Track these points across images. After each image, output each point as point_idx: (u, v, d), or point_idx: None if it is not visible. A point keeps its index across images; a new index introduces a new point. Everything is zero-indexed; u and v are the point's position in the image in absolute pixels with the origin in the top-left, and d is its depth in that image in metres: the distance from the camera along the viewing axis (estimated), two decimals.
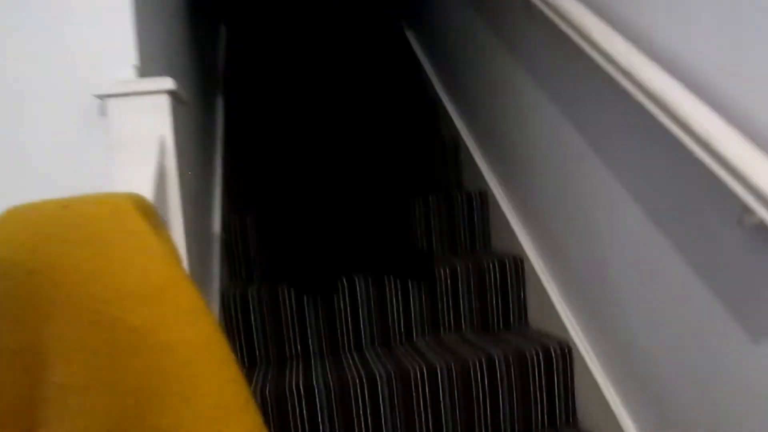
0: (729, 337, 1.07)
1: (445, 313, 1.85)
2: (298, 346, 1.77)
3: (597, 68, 1.30)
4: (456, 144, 2.40)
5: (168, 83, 1.03)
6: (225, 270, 1.94)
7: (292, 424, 1.51)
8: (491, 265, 1.87)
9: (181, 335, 0.64)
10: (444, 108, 2.54)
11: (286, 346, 1.77)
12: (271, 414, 1.50)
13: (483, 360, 1.59)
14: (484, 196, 2.15)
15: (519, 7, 1.74)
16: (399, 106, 2.47)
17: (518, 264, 1.89)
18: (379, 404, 1.54)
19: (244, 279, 2.00)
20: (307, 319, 1.78)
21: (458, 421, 1.58)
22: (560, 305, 1.71)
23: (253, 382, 1.60)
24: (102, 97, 1.03)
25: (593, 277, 1.53)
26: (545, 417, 1.63)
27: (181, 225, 1.03)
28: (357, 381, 1.54)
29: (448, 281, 1.84)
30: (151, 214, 0.72)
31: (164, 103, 1.03)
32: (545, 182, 1.73)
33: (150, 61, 1.16)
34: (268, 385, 1.55)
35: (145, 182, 0.93)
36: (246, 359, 1.76)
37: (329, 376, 1.56)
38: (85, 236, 0.63)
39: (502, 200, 2.06)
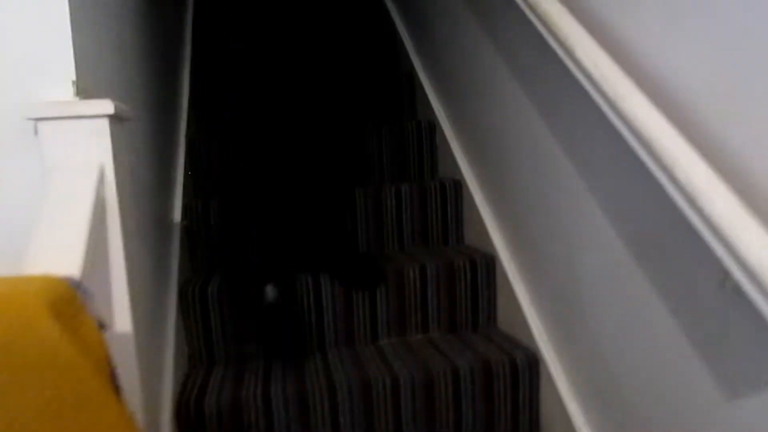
0: (699, 387, 1.04)
1: (413, 313, 1.80)
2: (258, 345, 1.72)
3: (581, 87, 1.22)
4: (432, 127, 2.30)
5: (107, 107, 0.92)
6: (185, 258, 1.86)
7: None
8: (462, 264, 1.82)
9: None
10: (422, 88, 2.43)
11: (246, 346, 1.71)
12: (225, 423, 1.46)
13: (448, 371, 1.55)
14: (459, 187, 2.07)
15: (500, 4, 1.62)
16: (370, 78, 2.33)
17: (490, 263, 1.84)
18: (339, 415, 1.51)
19: (206, 268, 1.93)
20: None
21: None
22: (529, 312, 1.67)
23: (209, 386, 1.54)
24: (33, 120, 0.92)
25: (565, 289, 1.48)
26: (509, 427, 1.62)
27: (122, 263, 0.94)
28: (318, 392, 1.49)
29: (417, 282, 1.79)
30: (68, 304, 0.63)
31: (103, 127, 0.93)
32: (521, 181, 1.66)
33: (93, 71, 1.04)
34: (223, 392, 1.50)
35: (79, 221, 0.84)
36: (205, 357, 1.71)
37: (287, 385, 1.52)
38: None
39: (476, 193, 1.99)
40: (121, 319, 0.95)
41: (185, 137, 2.06)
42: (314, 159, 1.82)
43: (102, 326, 0.73)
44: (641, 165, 1.03)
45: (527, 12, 1.35)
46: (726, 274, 0.90)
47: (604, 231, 1.27)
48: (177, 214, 1.84)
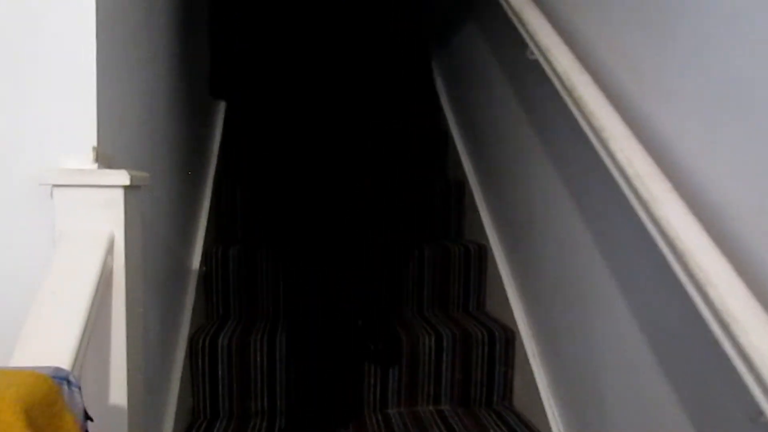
0: None
1: (425, 384, 1.74)
2: (265, 403, 1.68)
3: (614, 180, 1.16)
4: (460, 186, 2.27)
5: (123, 178, 0.91)
6: (200, 305, 1.84)
7: None
8: (480, 335, 1.76)
9: None
10: (454, 146, 2.41)
11: (252, 402, 1.67)
12: None
13: None
14: (483, 252, 2.03)
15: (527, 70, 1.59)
16: (410, 147, 2.27)
17: (509, 337, 1.78)
18: None
19: (221, 315, 1.90)
20: (278, 374, 1.68)
21: None
22: (546, 395, 1.60)
23: None
24: (50, 185, 0.92)
25: (583, 380, 1.41)
26: None
27: (123, 337, 0.92)
28: None
29: (432, 354, 1.73)
30: (48, 404, 0.61)
31: (118, 197, 0.92)
32: (545, 258, 1.61)
33: (115, 136, 1.04)
34: None
35: (79, 298, 0.82)
36: (209, 411, 1.67)
37: None
38: None
39: (501, 261, 1.94)
40: (116, 392, 0.92)
41: (212, 181, 2.06)
42: (351, 224, 1.76)
43: (87, 419, 0.70)
44: (672, 273, 0.97)
45: (563, 94, 1.31)
46: (759, 413, 0.83)
47: (628, 329, 1.21)
48: (196, 261, 1.82)
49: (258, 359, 1.66)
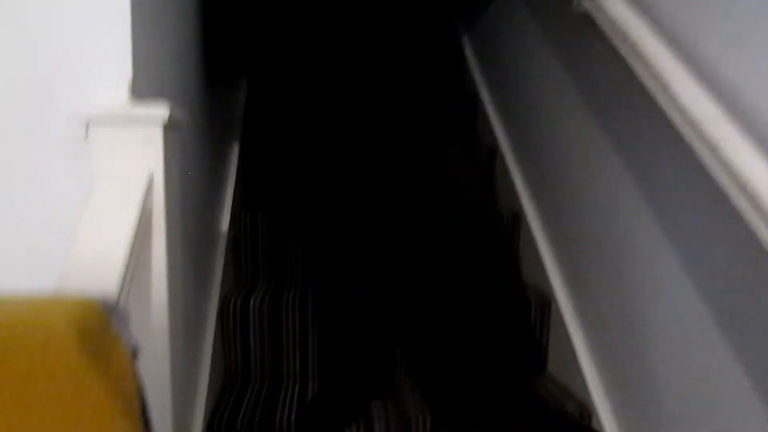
0: None
1: None
2: (297, 365, 1.64)
3: (673, 125, 1.10)
4: (492, 152, 2.21)
5: (162, 111, 0.87)
6: (231, 270, 1.81)
7: None
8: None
9: None
10: (484, 112, 2.35)
11: (284, 365, 1.64)
12: None
13: None
14: (517, 219, 1.97)
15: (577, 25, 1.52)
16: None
17: (546, 304, 1.73)
18: None
19: (250, 280, 1.87)
20: (309, 337, 1.64)
21: None
22: (585, 361, 1.55)
23: (243, 406, 1.48)
24: (85, 123, 0.87)
25: (627, 339, 1.36)
26: None
27: (164, 279, 0.88)
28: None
29: None
30: (99, 332, 0.57)
31: (156, 134, 0.87)
32: (586, 221, 1.55)
33: (151, 70, 0.99)
34: (256, 416, 1.43)
35: (122, 234, 0.78)
36: (240, 375, 1.64)
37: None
38: (3, 376, 0.49)
39: (537, 228, 1.88)
40: (158, 338, 0.89)
41: (239, 145, 2.02)
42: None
43: (135, 354, 0.66)
44: (735, 224, 0.92)
45: (616, 42, 1.25)
46: None
47: (684, 292, 1.15)
48: (224, 224, 1.79)
49: (290, 322, 1.63)
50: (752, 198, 0.88)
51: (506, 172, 2.09)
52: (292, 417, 1.41)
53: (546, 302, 1.72)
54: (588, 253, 1.55)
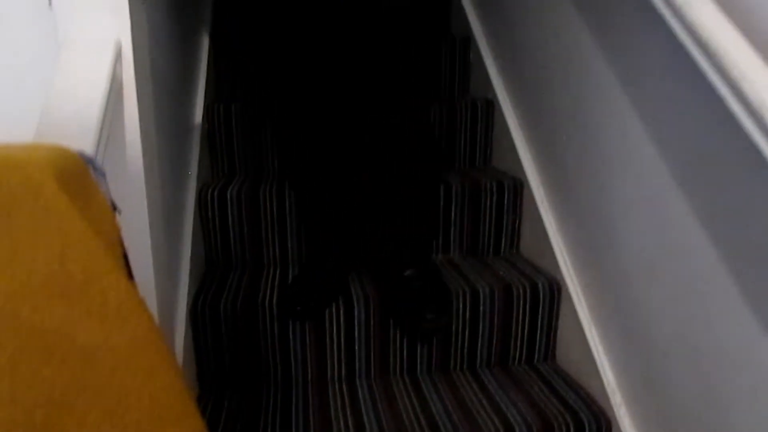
0: (739, 324, 0.98)
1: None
2: (277, 252, 1.69)
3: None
4: (466, 42, 2.19)
5: None
6: (206, 163, 1.81)
7: (261, 337, 1.46)
8: (489, 186, 1.75)
9: (105, 339, 0.53)
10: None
11: (264, 251, 1.68)
12: (240, 326, 1.45)
13: (467, 292, 1.51)
14: (491, 106, 1.98)
15: None
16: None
17: (518, 186, 1.77)
18: (354, 331, 1.48)
19: (226, 173, 1.88)
20: (288, 224, 1.68)
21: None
22: (555, 238, 1.62)
23: (226, 289, 1.53)
24: None
25: (595, 212, 1.42)
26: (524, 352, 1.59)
27: (138, 148, 0.89)
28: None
29: (442, 203, 1.73)
30: (77, 176, 0.58)
31: (122, 1, 0.86)
32: (557, 99, 1.57)
33: None
34: (240, 296, 1.48)
35: (92, 96, 0.78)
36: (221, 262, 1.68)
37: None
38: None
39: (509, 113, 1.89)
40: (136, 206, 0.91)
41: (208, 36, 1.97)
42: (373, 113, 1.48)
43: (114, 208, 0.68)
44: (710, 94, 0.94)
45: None
46: None
47: (646, 150, 1.19)
48: (198, 116, 1.77)
49: (268, 210, 1.65)
50: (718, 65, 0.90)
51: (480, 60, 2.08)
52: (274, 298, 1.47)
53: (519, 185, 1.76)
54: (559, 135, 1.58)
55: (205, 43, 1.93)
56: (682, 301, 1.11)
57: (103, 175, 0.66)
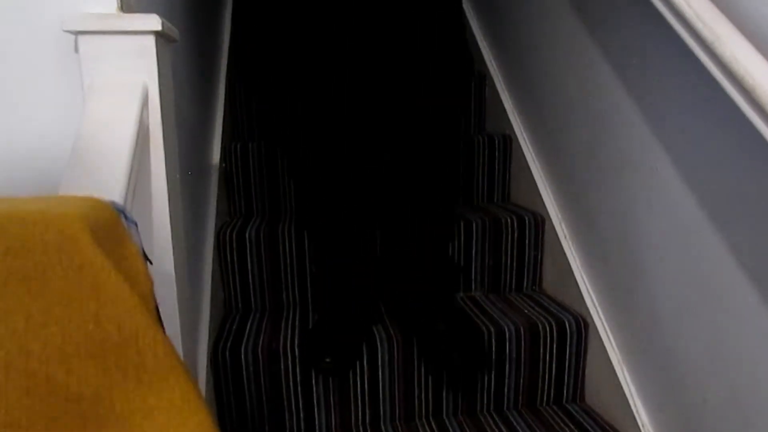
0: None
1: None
2: (297, 294, 1.66)
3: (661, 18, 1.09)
4: (482, 78, 2.18)
5: (155, 23, 0.84)
6: (224, 203, 1.80)
7: (284, 382, 1.42)
8: (509, 221, 1.72)
9: (143, 401, 0.50)
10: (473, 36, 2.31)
11: (284, 294, 1.66)
12: (262, 372, 1.41)
13: (492, 331, 1.48)
14: (508, 141, 1.97)
15: None
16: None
17: (539, 223, 1.74)
18: (378, 373, 1.44)
19: (244, 213, 1.86)
20: (307, 266, 1.65)
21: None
22: (579, 274, 1.58)
23: (246, 333, 1.49)
24: (74, 33, 0.84)
25: (622, 251, 1.38)
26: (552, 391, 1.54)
27: (165, 196, 0.87)
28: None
29: (462, 239, 1.70)
30: (111, 228, 0.56)
31: (149, 45, 0.85)
32: (577, 135, 1.55)
33: None
34: (261, 340, 1.45)
35: (121, 144, 0.77)
36: (240, 305, 1.66)
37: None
38: (18, 272, 0.48)
39: (527, 148, 1.88)
40: (162, 256, 0.89)
41: (225, 78, 1.98)
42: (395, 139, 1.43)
43: (145, 256, 0.66)
44: (736, 113, 0.92)
45: None
46: None
47: (676, 186, 1.17)
48: (216, 155, 1.77)
49: (287, 252, 1.63)
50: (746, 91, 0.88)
51: (497, 96, 2.07)
52: (296, 343, 1.43)
53: (540, 220, 1.73)
54: (580, 171, 1.56)
55: (222, 81, 1.93)
56: (720, 341, 1.07)
57: (135, 224, 0.64)
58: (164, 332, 0.60)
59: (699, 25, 0.98)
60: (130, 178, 0.74)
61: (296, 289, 1.65)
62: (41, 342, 0.48)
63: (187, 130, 1.36)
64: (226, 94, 1.93)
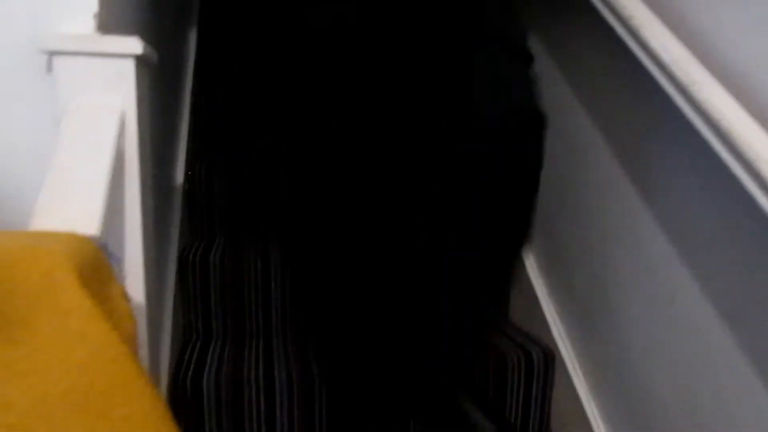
0: (756, 406, 0.96)
1: None
2: (260, 321, 1.62)
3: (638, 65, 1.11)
4: None
5: (135, 46, 0.81)
6: (186, 223, 1.75)
7: (246, 414, 1.38)
8: None
9: None
10: None
11: (247, 321, 1.61)
12: (224, 402, 1.36)
13: None
14: None
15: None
16: None
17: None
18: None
19: (206, 235, 1.82)
20: (272, 292, 1.62)
21: None
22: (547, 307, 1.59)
23: (208, 362, 1.44)
24: (48, 53, 0.81)
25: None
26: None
27: (139, 227, 0.83)
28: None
29: None
30: (97, 268, 0.53)
31: (128, 69, 0.81)
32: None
33: (117, 3, 0.92)
34: (223, 369, 1.40)
35: (97, 173, 0.73)
36: (201, 331, 1.60)
37: (290, 364, 1.43)
38: (1, 317, 0.45)
39: None
40: (135, 288, 0.85)
41: (190, 94, 1.94)
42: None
43: (127, 296, 0.63)
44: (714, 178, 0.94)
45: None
46: None
47: (647, 225, 1.19)
48: (179, 177, 1.72)
49: (251, 277, 1.59)
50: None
51: None
52: (260, 372, 1.39)
53: None
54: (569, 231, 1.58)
55: (186, 101, 1.89)
56: (690, 379, 1.09)
57: (117, 261, 0.61)
58: (149, 379, 0.57)
59: (674, 68, 1.01)
60: (106, 210, 0.71)
61: (260, 316, 1.61)
62: (22, 392, 0.44)
63: (155, 153, 1.31)
64: (190, 114, 1.89)
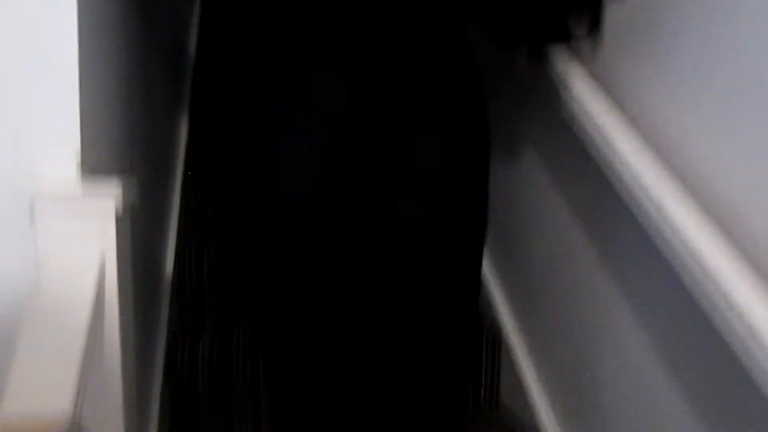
0: None
1: None
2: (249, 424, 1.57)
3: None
4: None
5: (115, 189, 0.79)
6: (175, 313, 1.72)
7: None
8: None
9: None
10: None
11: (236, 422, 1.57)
12: None
13: None
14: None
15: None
16: None
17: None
18: None
19: (195, 321, 1.78)
20: (261, 383, 1.58)
21: None
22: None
23: None
24: (29, 196, 0.79)
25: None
26: None
27: (118, 377, 0.81)
28: None
29: None
30: None
31: (108, 214, 0.80)
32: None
33: (100, 141, 0.92)
34: None
35: (72, 339, 0.71)
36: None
37: None
38: None
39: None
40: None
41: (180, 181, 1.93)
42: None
43: None
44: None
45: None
46: None
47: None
48: (169, 264, 1.70)
49: (241, 372, 1.55)
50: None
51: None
52: None
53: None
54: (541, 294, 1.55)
55: (176, 190, 1.88)
56: None
57: None
58: None
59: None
60: (81, 376, 0.68)
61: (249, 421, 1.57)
62: None
63: (142, 248, 1.29)
64: (181, 200, 1.87)
